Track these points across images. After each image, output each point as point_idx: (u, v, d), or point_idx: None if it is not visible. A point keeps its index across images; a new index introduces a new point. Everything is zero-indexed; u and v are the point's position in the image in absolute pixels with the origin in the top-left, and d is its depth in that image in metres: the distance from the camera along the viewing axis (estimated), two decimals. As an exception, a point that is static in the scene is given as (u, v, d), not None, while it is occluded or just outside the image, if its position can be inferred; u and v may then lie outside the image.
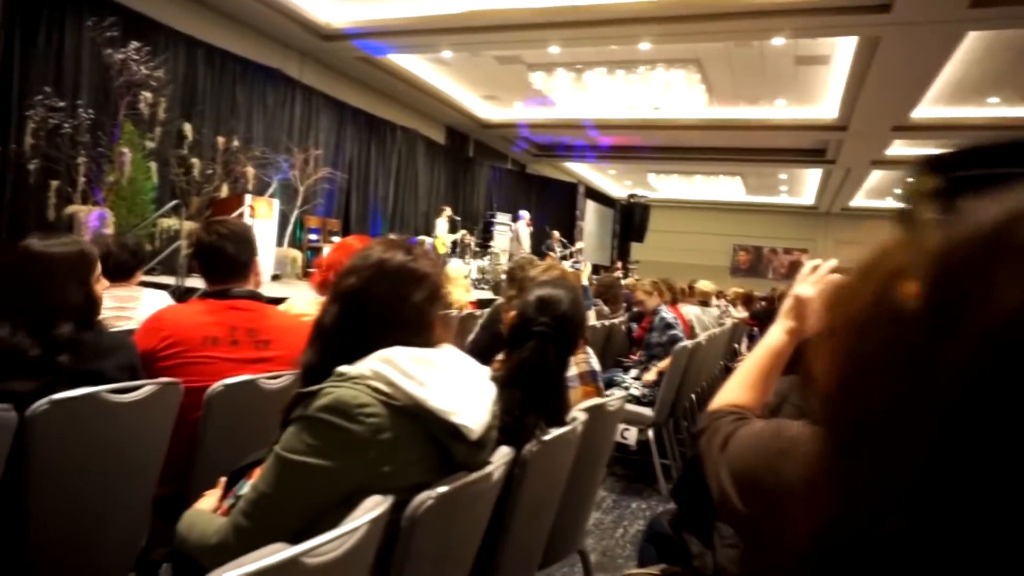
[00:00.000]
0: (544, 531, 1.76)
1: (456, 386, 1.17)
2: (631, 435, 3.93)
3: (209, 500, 1.39)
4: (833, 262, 1.15)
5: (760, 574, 0.91)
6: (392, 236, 1.34)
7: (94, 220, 6.44)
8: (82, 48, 7.11)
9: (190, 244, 2.01)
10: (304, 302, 2.41)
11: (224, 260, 1.99)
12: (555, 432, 1.56)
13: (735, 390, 1.09)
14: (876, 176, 15.33)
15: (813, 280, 1.13)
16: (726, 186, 19.10)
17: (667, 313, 4.64)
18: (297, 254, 8.74)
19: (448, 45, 9.47)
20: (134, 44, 7.03)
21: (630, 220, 17.57)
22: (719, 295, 8.92)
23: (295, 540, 0.86)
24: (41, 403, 1.45)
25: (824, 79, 9.96)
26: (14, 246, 1.64)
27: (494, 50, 9.81)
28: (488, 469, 1.23)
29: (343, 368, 1.13)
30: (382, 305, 1.19)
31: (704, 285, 6.99)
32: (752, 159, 14.45)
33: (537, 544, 1.75)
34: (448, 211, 11.15)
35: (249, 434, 1.84)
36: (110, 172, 6.85)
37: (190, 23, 8.39)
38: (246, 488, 1.29)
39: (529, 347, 1.61)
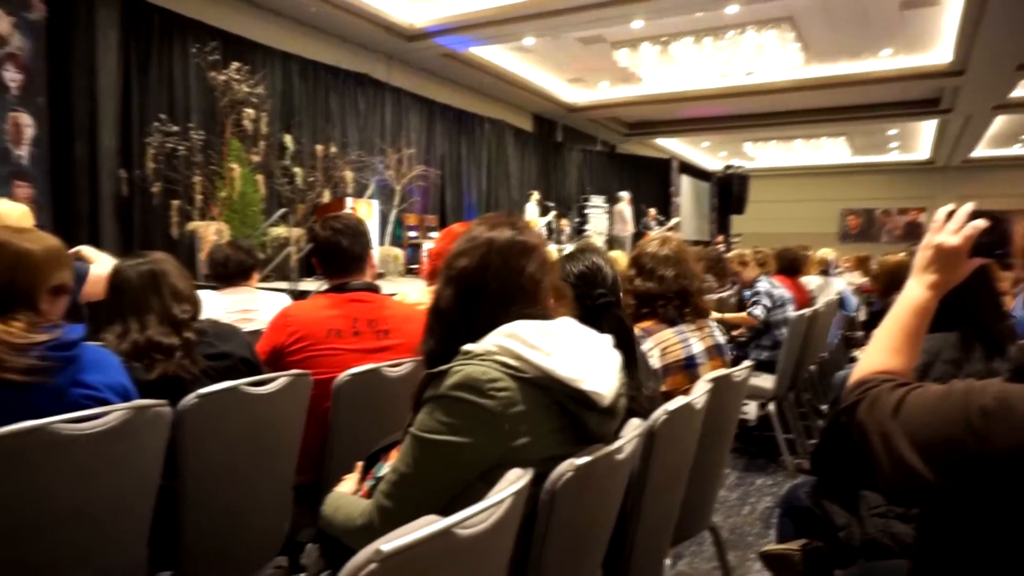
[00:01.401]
0: (675, 506, 1.72)
1: (581, 354, 1.16)
2: (751, 409, 3.80)
3: (349, 483, 1.43)
4: (970, 206, 1.05)
5: (954, 544, 0.84)
6: (492, 214, 1.33)
7: (212, 234, 6.87)
8: (189, 74, 7.58)
9: (306, 243, 2.10)
10: (416, 292, 2.46)
11: (341, 254, 2.06)
12: (679, 402, 1.51)
13: (880, 355, 1.01)
14: (1000, 122, 14.09)
15: (953, 228, 1.03)
16: (830, 148, 18.10)
17: (764, 284, 4.42)
18: (398, 252, 8.99)
19: (530, 31, 9.43)
20: (235, 65, 7.42)
21: (728, 192, 16.96)
22: (823, 263, 8.45)
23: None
24: (190, 397, 1.54)
25: (935, 21, 9.23)
26: (115, 271, 1.79)
27: (576, 31, 9.70)
28: (622, 440, 1.20)
29: (468, 346, 1.13)
30: (498, 280, 1.19)
31: (825, 253, 6.64)
32: (857, 117, 13.61)
33: (669, 520, 1.71)
34: (536, 195, 11.14)
35: (376, 420, 1.90)
36: (222, 188, 7.28)
37: (284, 39, 8.77)
38: (384, 470, 1.33)
39: (607, 323, 1.57)
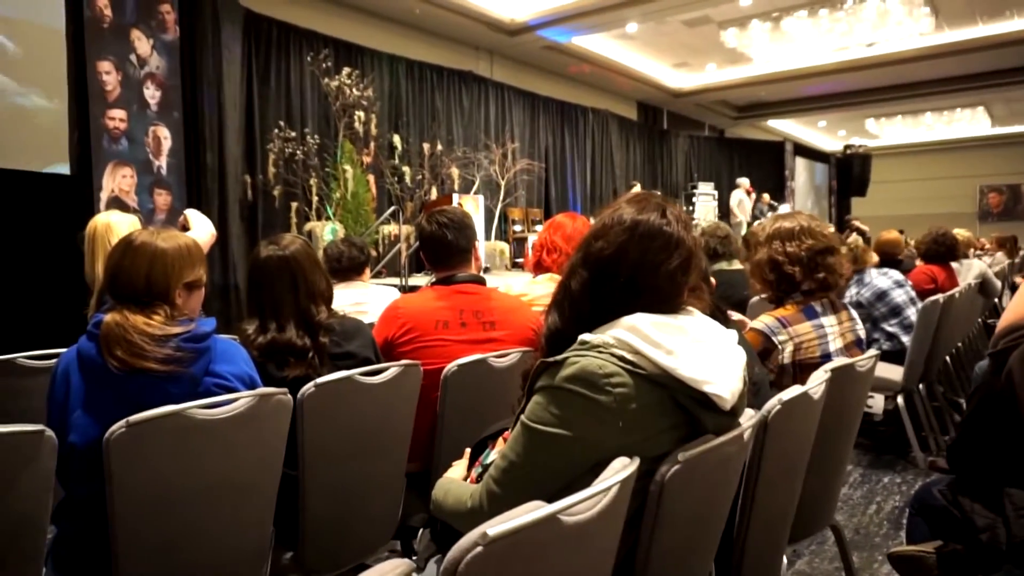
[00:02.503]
0: (793, 502, 1.64)
1: (706, 353, 1.10)
2: (876, 403, 3.56)
3: (458, 469, 1.46)
4: None
5: None
6: (641, 190, 1.28)
7: (328, 234, 7.22)
8: (304, 82, 7.98)
9: (414, 238, 2.16)
10: (521, 285, 2.48)
11: (447, 247, 2.11)
12: (795, 391, 1.44)
13: None
14: None
15: None
16: (965, 120, 16.63)
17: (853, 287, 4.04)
18: (504, 246, 9.08)
19: (633, 17, 9.25)
20: (346, 70, 7.74)
21: (848, 173, 15.98)
22: (967, 245, 7.78)
23: (547, 503, 0.86)
24: (308, 386, 1.63)
25: (1090, -28, 8.27)
26: (256, 257, 1.88)
27: (681, 14, 9.41)
28: (734, 433, 1.16)
29: (586, 336, 1.10)
30: (633, 271, 1.13)
31: (959, 233, 6.13)
32: (998, 83, 12.41)
33: (786, 515, 1.63)
34: (637, 185, 10.93)
35: (483, 409, 1.93)
36: (336, 189, 7.63)
37: (390, 42, 9.05)
38: (492, 456, 1.34)
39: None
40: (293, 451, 1.66)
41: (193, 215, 2.52)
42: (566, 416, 1.07)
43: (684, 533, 1.19)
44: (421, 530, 1.70)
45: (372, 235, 7.50)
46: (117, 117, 5.94)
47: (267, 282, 1.83)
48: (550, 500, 0.86)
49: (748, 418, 1.24)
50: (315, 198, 7.58)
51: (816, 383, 1.51)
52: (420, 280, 6.33)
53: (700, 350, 1.10)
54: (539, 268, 2.51)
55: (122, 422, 1.29)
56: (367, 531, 1.94)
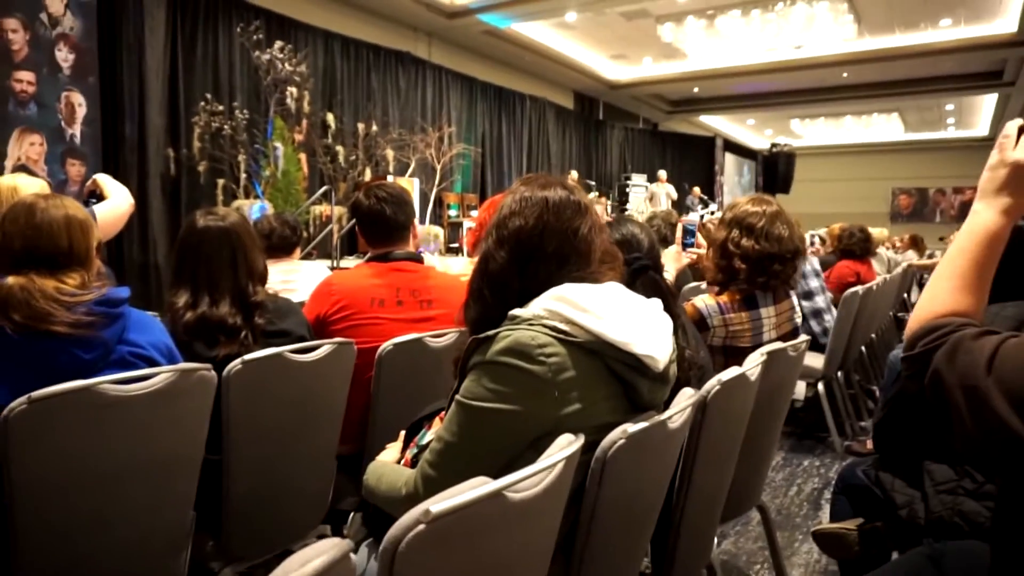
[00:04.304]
0: (726, 482, 1.66)
1: (633, 318, 1.11)
2: (799, 389, 3.69)
3: (391, 452, 1.41)
4: None
5: None
6: (537, 174, 1.28)
7: (255, 213, 6.96)
8: (233, 54, 7.65)
9: (349, 214, 2.07)
10: (460, 265, 2.43)
11: (385, 222, 2.04)
12: (733, 372, 1.45)
13: (948, 295, 0.88)
14: (1067, 95, 13.39)
15: None
16: (881, 125, 17.49)
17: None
18: (439, 231, 9.00)
19: (573, 6, 9.27)
20: (278, 44, 7.46)
21: (774, 171, 16.54)
22: (880, 242, 8.19)
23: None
24: (235, 363, 1.54)
25: (999, -11, 8.79)
26: (193, 224, 1.76)
27: (619, 6, 9.49)
28: (675, 409, 1.15)
29: (516, 311, 1.09)
30: (555, 240, 1.14)
31: (879, 232, 6.43)
32: (912, 91, 13.11)
33: (719, 495, 1.66)
34: (574, 174, 11.01)
35: (419, 390, 1.88)
36: (266, 166, 7.36)
37: (326, 18, 8.78)
38: (428, 438, 1.30)
39: (643, 285, 1.52)
40: (217, 432, 1.57)
41: (107, 181, 2.31)
42: (502, 390, 1.05)
43: (624, 511, 1.19)
44: (352, 514, 1.65)
45: (303, 215, 7.29)
46: (24, 80, 5.54)
47: (204, 253, 1.71)
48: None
49: (688, 397, 1.24)
50: (243, 175, 7.30)
51: (753, 365, 1.53)
52: (352, 263, 6.19)
53: (628, 314, 1.11)
54: (478, 248, 2.46)
55: (23, 398, 1.18)
56: (295, 515, 1.86)
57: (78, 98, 5.95)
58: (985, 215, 0.92)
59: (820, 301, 3.85)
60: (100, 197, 2.23)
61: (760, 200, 2.14)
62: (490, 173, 11.54)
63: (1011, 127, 0.94)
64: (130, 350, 1.36)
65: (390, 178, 7.86)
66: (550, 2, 9.07)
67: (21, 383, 1.19)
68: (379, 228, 2.06)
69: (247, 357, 1.56)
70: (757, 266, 2.06)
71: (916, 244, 8.59)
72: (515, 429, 1.06)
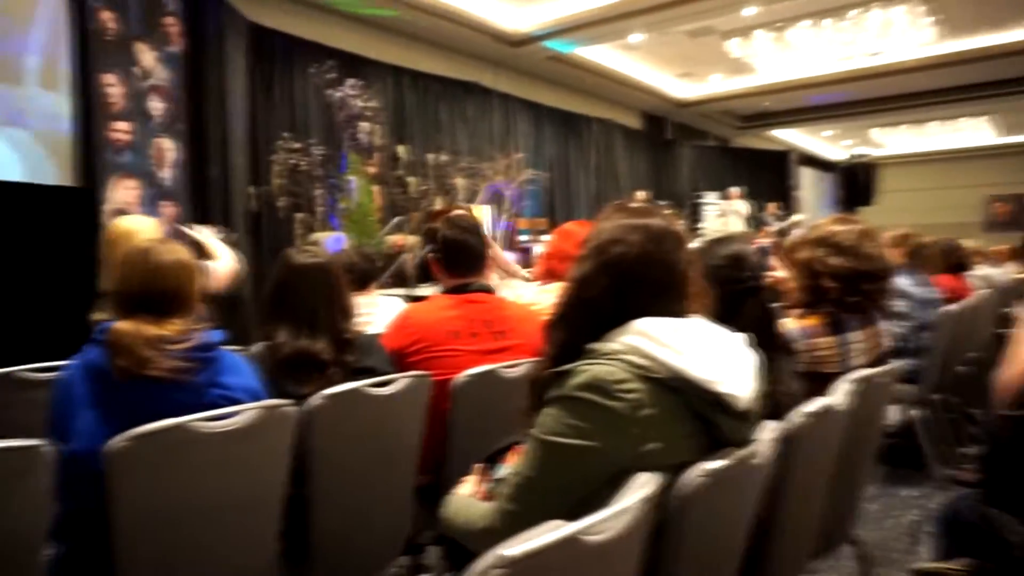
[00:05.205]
0: (815, 517, 1.59)
1: (715, 354, 1.08)
2: (892, 414, 3.50)
3: (468, 486, 1.41)
4: None
5: None
6: (624, 202, 1.26)
7: (333, 244, 7.19)
8: (308, 93, 7.98)
9: (425, 244, 2.10)
10: (531, 293, 2.44)
11: (468, 253, 2.07)
12: (819, 403, 1.39)
13: None
14: None
15: None
16: (970, 130, 16.60)
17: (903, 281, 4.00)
18: (511, 256, 9.05)
19: (637, 28, 9.26)
20: (350, 81, 7.75)
21: (854, 183, 15.94)
22: (977, 254, 7.70)
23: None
24: (317, 397, 1.58)
25: (1096, -20, 8.25)
26: (290, 261, 1.82)
27: (685, 24, 9.41)
28: (758, 444, 1.11)
29: (594, 345, 1.08)
30: (658, 269, 1.12)
31: (967, 243, 6.07)
32: (1004, 92, 12.38)
33: (808, 531, 1.58)
34: (641, 194, 10.89)
35: (493, 421, 1.87)
36: (342, 199, 7.61)
37: (394, 53, 9.07)
38: (503, 471, 1.30)
39: (751, 307, 1.46)
40: (299, 465, 1.61)
41: (216, 244, 2.48)
42: (579, 425, 1.04)
43: (706, 550, 1.15)
44: (430, 546, 1.65)
45: (378, 245, 7.47)
46: (121, 129, 5.93)
47: (303, 289, 1.76)
48: (566, 515, 0.82)
49: (771, 430, 1.19)
50: (319, 209, 7.56)
51: (841, 395, 1.46)
52: (427, 291, 6.29)
53: (709, 350, 1.08)
54: (550, 276, 2.46)
55: (123, 435, 1.25)
56: (375, 546, 1.89)
57: (169, 144, 6.32)
58: None
59: (910, 321, 3.66)
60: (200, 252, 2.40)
61: (846, 219, 2.07)
62: (559, 197, 11.57)
63: None
64: (221, 393, 1.43)
65: (463, 207, 7.98)
66: (613, 25, 9.08)
67: (123, 424, 1.26)
68: (462, 258, 2.08)
69: (328, 392, 1.60)
70: (848, 285, 1.97)
71: (1017, 255, 8.03)
72: (592, 465, 1.04)
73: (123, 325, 1.35)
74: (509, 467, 1.26)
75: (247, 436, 1.40)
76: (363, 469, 1.75)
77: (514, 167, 9.64)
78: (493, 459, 1.43)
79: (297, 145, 7.41)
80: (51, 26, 5.30)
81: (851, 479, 1.78)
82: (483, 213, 8.35)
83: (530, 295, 2.41)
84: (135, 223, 2.24)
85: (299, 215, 7.45)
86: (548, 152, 11.41)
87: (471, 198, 8.94)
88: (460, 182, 8.82)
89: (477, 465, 1.45)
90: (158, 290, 1.41)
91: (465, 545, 1.26)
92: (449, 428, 1.92)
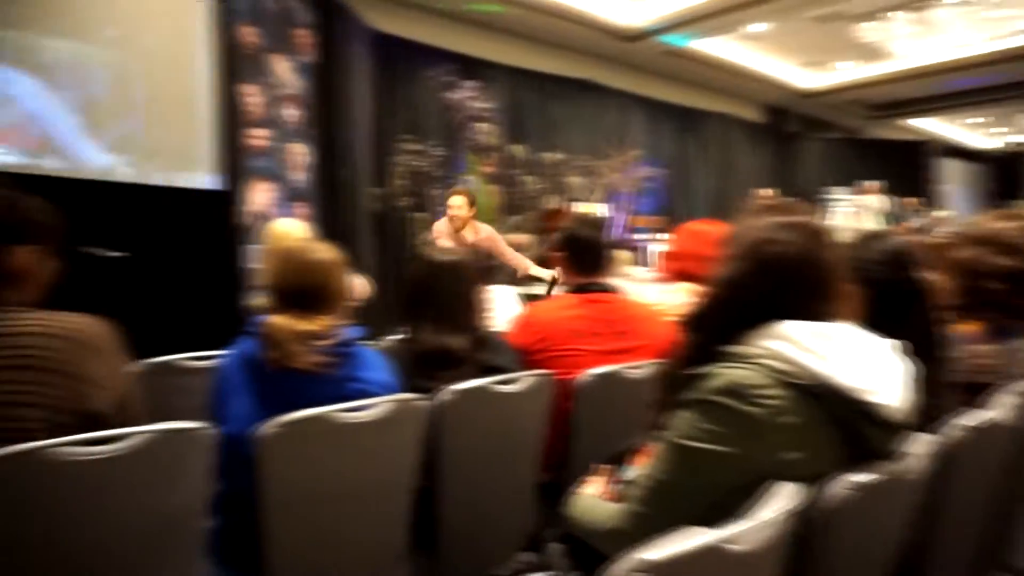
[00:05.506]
0: (971, 540, 1.47)
1: (862, 360, 1.01)
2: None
3: (593, 487, 1.41)
4: None
5: None
6: (768, 201, 1.22)
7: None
8: (427, 95, 8.25)
9: (555, 242, 2.11)
10: (654, 293, 2.40)
11: (597, 251, 2.07)
12: (981, 416, 1.28)
13: None
14: None
15: None
16: None
17: None
18: (627, 255, 8.95)
19: (758, 17, 8.88)
20: (467, 83, 7.93)
21: (1010, 173, 14.55)
22: None
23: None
24: (446, 392, 1.64)
25: None
26: (429, 260, 1.89)
27: (811, 10, 8.92)
28: (912, 458, 1.04)
29: (732, 348, 1.05)
30: (815, 270, 1.08)
31: None
32: None
33: (962, 556, 1.46)
34: (767, 192, 10.44)
35: (615, 422, 1.87)
36: (460, 199, 7.81)
37: (509, 54, 9.18)
38: (632, 473, 1.29)
39: (912, 311, 1.35)
40: (429, 458, 1.67)
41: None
42: (716, 431, 1.01)
43: (850, 569, 1.08)
44: (553, 544, 1.66)
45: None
46: (259, 136, 6.36)
47: (441, 286, 1.81)
48: (697, 520, 0.80)
49: (924, 443, 1.11)
50: (439, 208, 7.80)
51: (1004, 408, 1.34)
52: (541, 289, 6.33)
53: (856, 356, 1.01)
54: (681, 277, 2.41)
55: (272, 422, 1.35)
56: (498, 541, 1.92)
57: (300, 148, 6.72)
58: None
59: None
60: None
61: (1011, 215, 1.87)
62: (677, 194, 11.32)
63: None
64: (358, 387, 1.51)
65: (576, 205, 7.99)
66: (732, 16, 8.75)
67: (272, 411, 1.36)
68: (590, 256, 2.09)
69: (456, 387, 1.65)
70: (1017, 287, 1.78)
71: None
72: (726, 471, 1.02)
73: (276, 319, 1.46)
74: (638, 469, 1.24)
75: (381, 428, 1.47)
76: (488, 464, 1.79)
77: (630, 164, 9.54)
78: (616, 460, 1.42)
79: (417, 147, 7.67)
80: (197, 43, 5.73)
81: (1011, 501, 1.63)
82: (599, 211, 8.32)
83: (654, 295, 2.38)
84: (289, 225, 2.42)
85: (419, 215, 7.71)
86: (665, 149, 11.18)
87: (587, 196, 8.92)
88: (575, 180, 8.82)
89: (600, 465, 1.45)
90: (309, 285, 1.51)
91: (592, 545, 1.27)
92: (573, 426, 1.93)
